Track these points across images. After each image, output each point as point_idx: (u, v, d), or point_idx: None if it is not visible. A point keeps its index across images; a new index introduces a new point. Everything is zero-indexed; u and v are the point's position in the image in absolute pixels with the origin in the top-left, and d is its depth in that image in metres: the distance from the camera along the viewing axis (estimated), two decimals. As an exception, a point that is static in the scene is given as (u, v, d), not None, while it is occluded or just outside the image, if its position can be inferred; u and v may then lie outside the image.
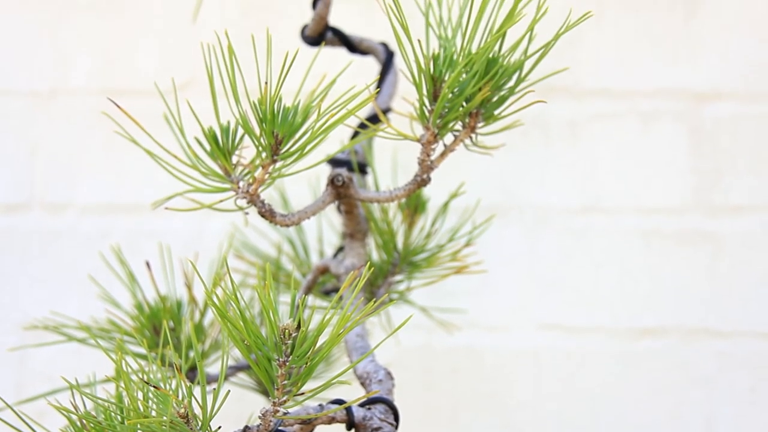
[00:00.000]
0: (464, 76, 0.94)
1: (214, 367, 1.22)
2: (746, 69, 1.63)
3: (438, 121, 0.95)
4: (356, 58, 1.22)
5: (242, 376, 1.26)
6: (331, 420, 0.91)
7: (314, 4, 1.16)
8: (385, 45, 1.21)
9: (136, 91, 1.65)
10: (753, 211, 1.63)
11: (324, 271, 1.16)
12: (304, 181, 1.30)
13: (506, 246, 1.64)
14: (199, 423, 0.84)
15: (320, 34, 1.18)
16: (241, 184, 0.94)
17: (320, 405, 0.91)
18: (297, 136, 0.92)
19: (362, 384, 1.01)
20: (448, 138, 0.98)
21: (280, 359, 0.83)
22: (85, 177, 1.68)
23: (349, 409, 0.92)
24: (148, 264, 1.17)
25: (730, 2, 1.64)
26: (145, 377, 0.86)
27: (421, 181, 0.99)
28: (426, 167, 0.98)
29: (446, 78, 0.94)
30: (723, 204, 1.63)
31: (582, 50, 1.65)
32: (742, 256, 1.63)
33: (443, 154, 0.98)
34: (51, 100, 1.68)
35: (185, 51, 1.67)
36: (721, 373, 1.62)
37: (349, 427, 0.93)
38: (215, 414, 0.85)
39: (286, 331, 0.83)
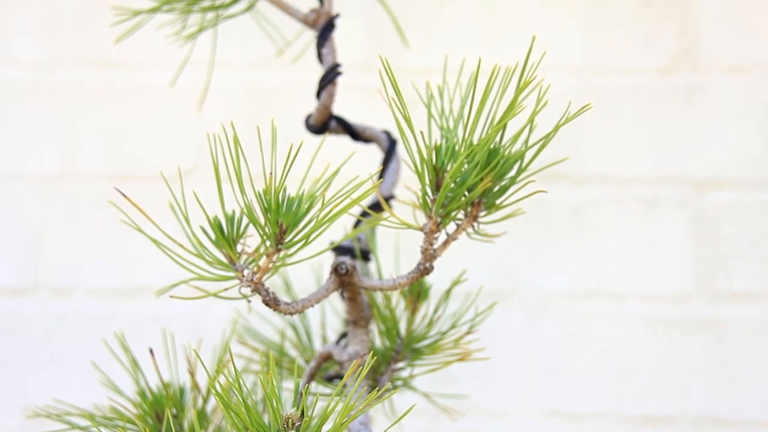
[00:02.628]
0: (466, 166, 0.94)
1: (216, 455, 1.21)
2: (747, 156, 1.65)
3: (440, 210, 0.96)
4: (359, 146, 1.23)
5: (245, 464, 1.25)
6: None
7: (318, 95, 1.18)
8: (387, 133, 1.22)
9: (142, 176, 1.67)
10: (756, 298, 1.63)
11: (327, 357, 1.16)
12: (307, 266, 1.31)
13: (509, 331, 1.64)
14: None
15: (324, 124, 1.19)
16: (245, 272, 0.94)
17: (323, 495, 0.91)
18: (301, 225, 0.92)
19: (365, 473, 1.00)
20: (451, 226, 0.99)
21: (283, 449, 0.83)
22: (90, 261, 1.68)
23: (351, 499, 0.92)
24: (151, 351, 1.17)
25: (729, 90, 1.66)
26: (147, 467, 0.86)
27: (424, 269, 0.99)
28: (429, 256, 0.99)
29: (448, 168, 0.94)
30: (726, 291, 1.63)
31: (584, 137, 1.66)
32: (746, 343, 1.62)
33: (446, 243, 0.99)
34: (58, 184, 1.70)
35: (190, 136, 1.69)
36: (726, 461, 1.60)
37: None
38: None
39: (290, 420, 0.83)
